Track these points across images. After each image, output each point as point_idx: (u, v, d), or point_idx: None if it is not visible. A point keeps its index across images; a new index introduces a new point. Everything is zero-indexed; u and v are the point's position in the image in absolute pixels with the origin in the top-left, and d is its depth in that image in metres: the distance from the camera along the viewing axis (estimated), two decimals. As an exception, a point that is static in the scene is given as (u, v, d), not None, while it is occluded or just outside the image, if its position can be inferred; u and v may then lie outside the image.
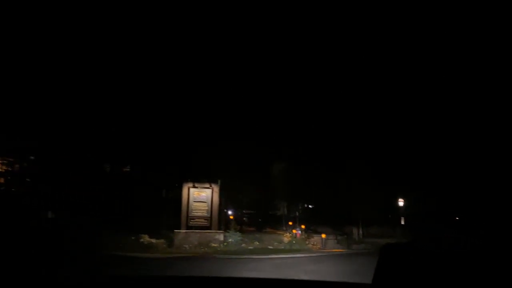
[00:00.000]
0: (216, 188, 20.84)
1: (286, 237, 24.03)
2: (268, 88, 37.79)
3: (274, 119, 34.84)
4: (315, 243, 23.74)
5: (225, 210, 31.07)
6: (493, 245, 1.86)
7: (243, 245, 19.75)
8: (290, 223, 29.26)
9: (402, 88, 39.83)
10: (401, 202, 29.67)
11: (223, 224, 22.67)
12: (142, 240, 19.21)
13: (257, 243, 20.21)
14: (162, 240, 19.69)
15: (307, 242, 23.18)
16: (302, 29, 33.75)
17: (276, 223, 33.77)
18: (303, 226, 27.20)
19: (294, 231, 25.10)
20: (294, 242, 21.57)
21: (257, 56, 35.05)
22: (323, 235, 23.17)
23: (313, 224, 31.69)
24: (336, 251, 21.43)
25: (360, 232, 29.79)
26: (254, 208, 37.70)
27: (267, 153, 34.78)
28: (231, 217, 33.87)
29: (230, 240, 19.87)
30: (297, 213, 30.25)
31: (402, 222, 29.25)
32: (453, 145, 35.92)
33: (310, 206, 38.85)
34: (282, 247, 20.37)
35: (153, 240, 19.37)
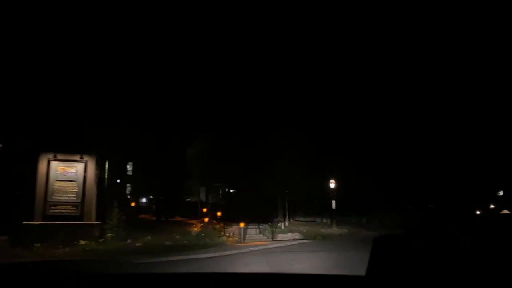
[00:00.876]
0: (92, 162, 14.73)
1: (196, 228, 18.77)
2: (180, 52, 31.94)
3: (189, 86, 29.07)
4: (232, 234, 18.78)
5: (124, 194, 24.95)
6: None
7: (129, 241, 14.02)
8: (205, 210, 23.93)
9: (332, 63, 36.49)
10: (332, 184, 25.84)
11: (110, 212, 16.59)
12: (-33, 237, 12.76)
13: (150, 238, 14.57)
14: (3, 237, 13.30)
15: (221, 234, 18.10)
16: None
17: (190, 211, 28.35)
18: (219, 214, 22.10)
19: (206, 219, 19.90)
20: (203, 234, 16.30)
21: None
22: (242, 224, 18.16)
23: (232, 211, 26.81)
24: (257, 245, 16.56)
25: (286, 219, 25.62)
26: (164, 194, 31.71)
27: (181, 128, 29.06)
28: (133, 204, 27.69)
29: (110, 234, 14.03)
30: (210, 198, 24.98)
31: (333, 206, 25.46)
32: (389, 125, 33.62)
33: (231, 191, 34.00)
34: (186, 242, 14.97)
35: (-14, 238, 12.96)
